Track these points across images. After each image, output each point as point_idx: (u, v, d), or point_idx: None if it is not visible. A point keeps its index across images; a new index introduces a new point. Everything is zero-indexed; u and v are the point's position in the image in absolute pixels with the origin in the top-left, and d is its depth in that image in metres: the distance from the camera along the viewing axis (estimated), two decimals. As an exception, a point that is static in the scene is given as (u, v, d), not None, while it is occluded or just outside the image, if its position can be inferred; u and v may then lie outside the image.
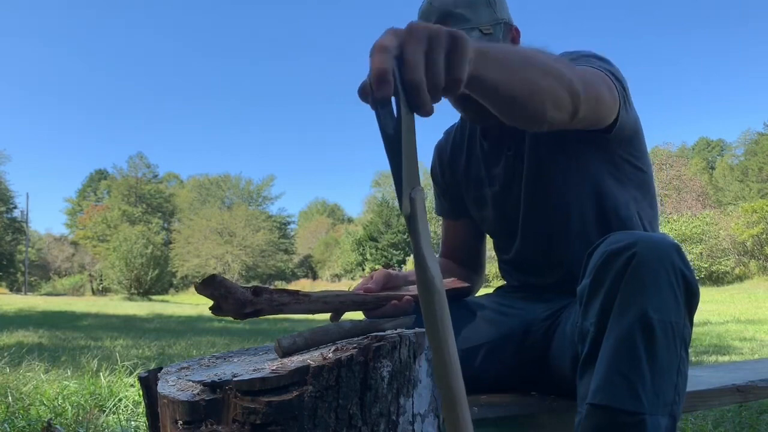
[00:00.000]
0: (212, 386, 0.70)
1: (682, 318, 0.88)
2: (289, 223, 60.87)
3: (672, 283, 0.87)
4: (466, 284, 1.35)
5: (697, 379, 1.42)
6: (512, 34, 1.27)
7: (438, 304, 0.64)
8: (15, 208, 46.50)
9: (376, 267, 46.55)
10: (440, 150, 1.51)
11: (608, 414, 0.85)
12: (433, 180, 1.53)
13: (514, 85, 0.84)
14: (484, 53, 0.76)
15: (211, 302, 0.81)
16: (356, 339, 0.79)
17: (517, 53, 0.88)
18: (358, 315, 1.00)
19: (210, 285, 0.80)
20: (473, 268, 1.55)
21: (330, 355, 0.71)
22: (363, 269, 47.53)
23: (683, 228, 27.09)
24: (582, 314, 0.94)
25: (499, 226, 1.39)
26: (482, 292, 1.52)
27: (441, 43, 0.65)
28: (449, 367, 0.67)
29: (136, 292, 26.70)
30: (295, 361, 0.73)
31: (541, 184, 1.27)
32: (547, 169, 1.26)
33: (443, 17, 1.19)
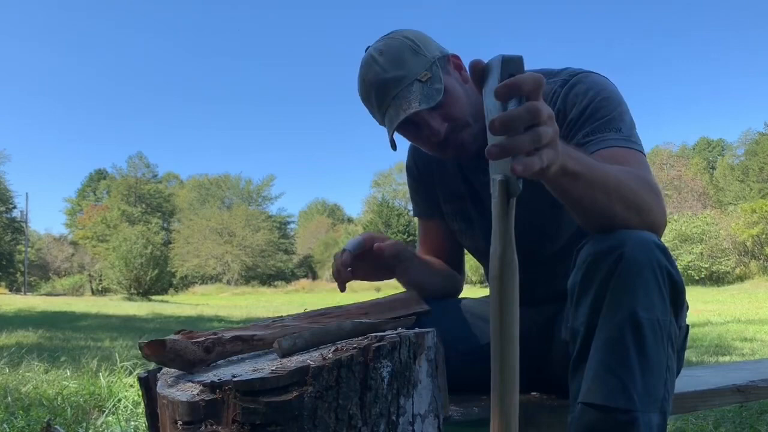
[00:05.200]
0: (212, 386, 0.70)
1: (668, 316, 0.90)
2: (289, 223, 61.01)
3: (659, 282, 0.88)
4: (426, 307, 1.25)
5: (697, 379, 1.42)
6: (453, 63, 1.24)
7: (510, 275, 0.72)
8: (14, 208, 46.56)
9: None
10: (415, 148, 1.43)
11: (601, 412, 0.86)
12: (409, 175, 1.49)
13: (596, 211, 0.94)
14: (569, 170, 0.84)
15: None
16: (356, 339, 0.79)
17: (606, 184, 0.91)
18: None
19: (159, 351, 0.77)
20: (456, 269, 1.50)
21: (330, 355, 0.71)
22: (363, 269, 47.44)
23: (683, 228, 27.12)
24: (572, 314, 0.95)
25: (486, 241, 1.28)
26: (485, 292, 1.52)
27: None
28: (509, 341, 0.73)
29: (135, 292, 26.62)
30: (294, 361, 0.73)
31: (533, 204, 1.17)
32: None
33: (380, 89, 1.17)
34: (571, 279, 0.96)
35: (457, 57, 1.25)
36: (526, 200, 1.15)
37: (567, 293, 1.03)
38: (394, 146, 1.22)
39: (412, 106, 1.14)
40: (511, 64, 0.70)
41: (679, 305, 0.92)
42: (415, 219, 1.54)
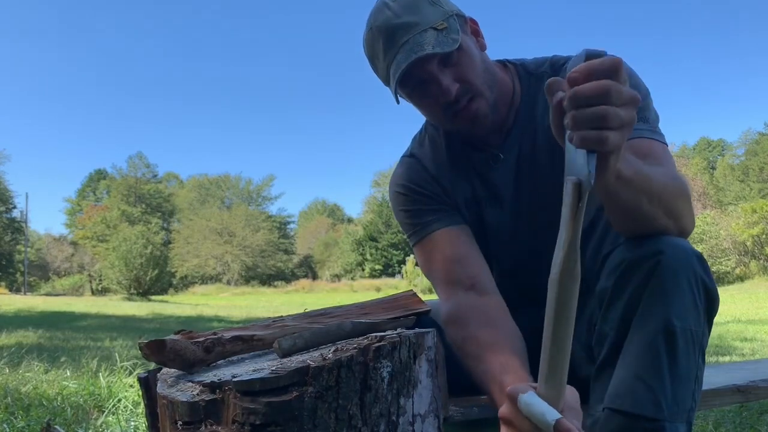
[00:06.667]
0: (212, 386, 0.70)
1: (701, 326, 0.89)
2: (289, 223, 61.00)
3: (693, 292, 0.88)
4: (426, 307, 1.18)
5: (697, 380, 1.41)
6: (470, 26, 1.15)
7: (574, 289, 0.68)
8: (14, 208, 46.50)
9: (377, 267, 46.70)
10: (421, 162, 1.26)
11: (627, 419, 0.86)
12: (417, 182, 1.24)
13: (638, 217, 0.89)
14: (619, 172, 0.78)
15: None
16: (356, 339, 0.79)
17: (651, 190, 0.87)
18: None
19: (159, 351, 0.77)
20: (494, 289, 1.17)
21: (330, 355, 0.70)
22: (363, 269, 47.56)
23: (683, 228, 27.00)
24: (601, 318, 0.94)
25: (509, 241, 1.24)
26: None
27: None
28: (560, 351, 0.69)
29: (135, 292, 26.61)
30: (295, 361, 0.72)
31: (543, 190, 1.16)
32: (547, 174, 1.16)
33: (390, 34, 1.07)
34: (601, 283, 0.95)
35: (475, 22, 1.17)
36: (548, 197, 1.13)
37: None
38: (398, 98, 1.10)
39: (425, 49, 1.04)
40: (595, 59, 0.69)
41: (711, 315, 0.92)
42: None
